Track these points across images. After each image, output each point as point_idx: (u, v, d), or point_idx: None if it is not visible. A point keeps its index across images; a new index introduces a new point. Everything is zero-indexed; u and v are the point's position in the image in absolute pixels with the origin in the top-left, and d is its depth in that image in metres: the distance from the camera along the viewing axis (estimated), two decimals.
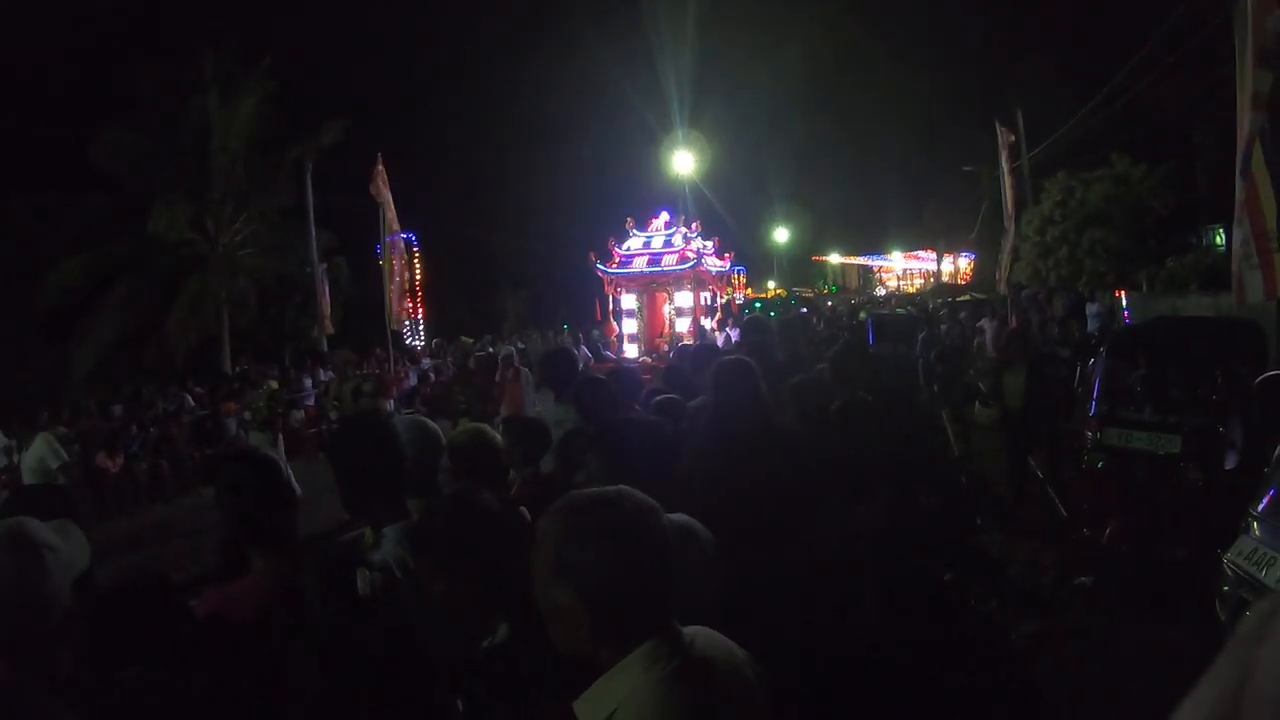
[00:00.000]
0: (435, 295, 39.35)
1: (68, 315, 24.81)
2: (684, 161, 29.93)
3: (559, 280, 37.78)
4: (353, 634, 2.29)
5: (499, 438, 3.99)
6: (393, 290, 15.90)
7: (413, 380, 21.81)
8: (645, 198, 19.60)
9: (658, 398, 4.78)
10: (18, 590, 2.07)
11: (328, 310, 21.58)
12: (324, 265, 22.55)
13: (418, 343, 33.44)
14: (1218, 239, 25.94)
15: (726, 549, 2.66)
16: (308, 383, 20.72)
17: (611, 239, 18.47)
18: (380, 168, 15.74)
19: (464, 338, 30.29)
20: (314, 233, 22.48)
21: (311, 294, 22.76)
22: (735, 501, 2.98)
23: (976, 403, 11.70)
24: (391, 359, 18.10)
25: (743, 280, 66.85)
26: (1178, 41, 21.04)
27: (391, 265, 16.01)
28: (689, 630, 1.79)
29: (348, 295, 28.46)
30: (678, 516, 2.75)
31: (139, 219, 25.10)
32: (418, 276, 37.46)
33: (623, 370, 5.99)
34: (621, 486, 1.83)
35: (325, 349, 23.59)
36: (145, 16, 28.99)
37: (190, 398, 18.61)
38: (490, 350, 20.75)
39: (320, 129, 25.93)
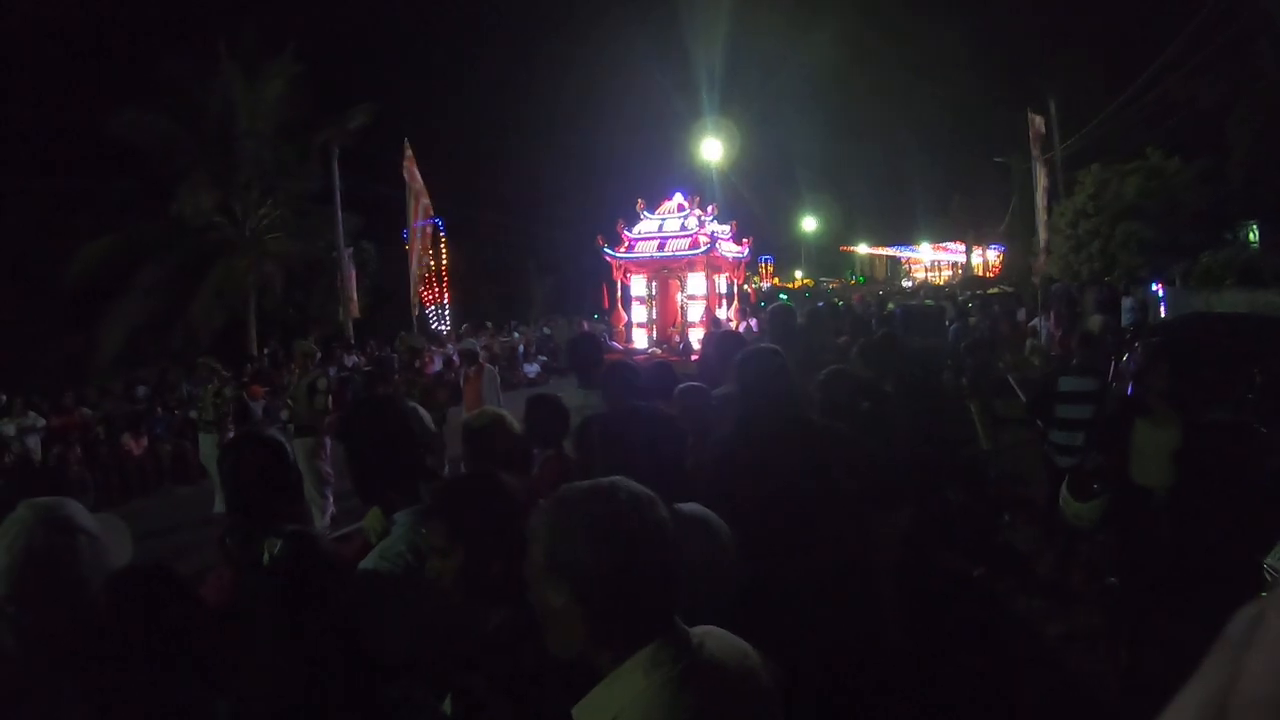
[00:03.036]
0: (462, 281, 39.41)
1: (94, 298, 24.98)
2: (712, 148, 29.71)
3: (586, 266, 37.75)
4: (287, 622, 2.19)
5: (516, 423, 3.93)
6: (419, 275, 15.86)
7: (438, 365, 21.82)
8: (673, 184, 18.89)
9: (681, 385, 4.67)
10: (46, 568, 2.00)
11: (354, 294, 21.65)
12: (350, 249, 22.60)
13: (443, 328, 33.50)
14: (1251, 235, 25.64)
15: (750, 548, 2.56)
16: (332, 370, 20.76)
17: (621, 221, 17.87)
18: (409, 153, 15.68)
19: (487, 323, 30.33)
20: (340, 217, 22.50)
21: (338, 278, 22.84)
22: (763, 500, 2.87)
23: (1066, 487, 6.25)
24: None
25: (770, 269, 66.81)
26: (1211, 35, 20.75)
27: (418, 250, 15.96)
28: (698, 631, 1.68)
29: (374, 279, 28.55)
30: (690, 506, 2.66)
31: (165, 203, 25.27)
32: (444, 262, 37.55)
33: (659, 363, 5.84)
34: (616, 478, 1.71)
35: (351, 333, 23.67)
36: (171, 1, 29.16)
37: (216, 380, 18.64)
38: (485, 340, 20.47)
39: (347, 113, 25.97)
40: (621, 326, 17.96)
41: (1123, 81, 24.47)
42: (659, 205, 18.29)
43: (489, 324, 30.21)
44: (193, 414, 13.85)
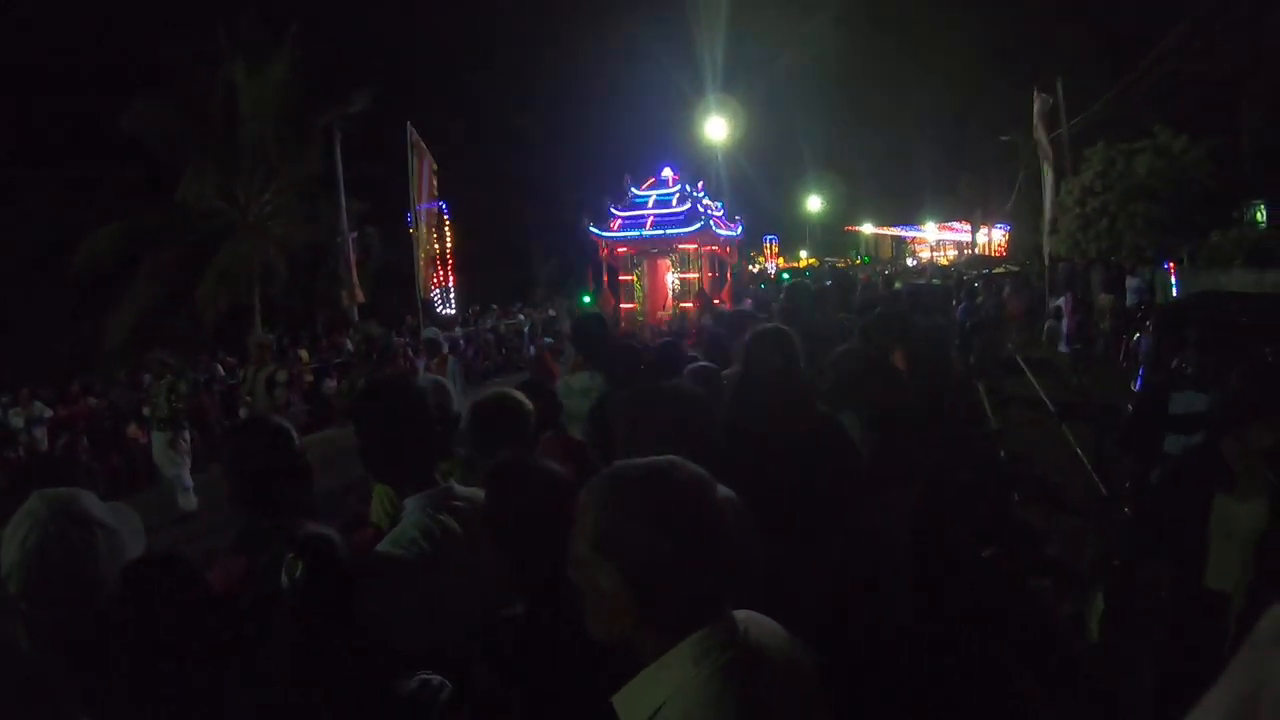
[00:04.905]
0: (467, 264, 39.30)
1: (100, 286, 24.96)
2: (715, 127, 29.49)
3: (586, 246, 37.58)
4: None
5: (527, 401, 3.88)
6: (424, 259, 15.72)
7: (444, 348, 21.74)
8: (672, 162, 18.32)
9: (690, 366, 4.57)
10: (61, 563, 1.93)
11: (356, 279, 21.58)
12: (354, 234, 22.52)
13: (449, 311, 33.50)
14: (1258, 215, 25.50)
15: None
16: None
17: (609, 199, 17.37)
18: (416, 137, 15.55)
19: (493, 305, 30.38)
20: (343, 201, 22.43)
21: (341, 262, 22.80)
22: (761, 492, 2.81)
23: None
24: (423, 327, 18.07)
25: (774, 249, 66.62)
26: (1221, 11, 20.58)
27: (423, 234, 15.82)
28: (741, 617, 1.62)
29: (379, 263, 28.51)
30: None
31: (169, 190, 25.21)
32: (449, 244, 37.46)
33: (666, 343, 5.75)
34: (673, 456, 1.64)
35: (355, 318, 23.63)
36: None
37: (220, 367, 18.63)
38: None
39: (348, 97, 25.87)
40: (610, 310, 16.98)
41: (1130, 59, 24.29)
42: (647, 181, 17.76)
43: (494, 306, 30.23)
44: (145, 411, 12.29)
